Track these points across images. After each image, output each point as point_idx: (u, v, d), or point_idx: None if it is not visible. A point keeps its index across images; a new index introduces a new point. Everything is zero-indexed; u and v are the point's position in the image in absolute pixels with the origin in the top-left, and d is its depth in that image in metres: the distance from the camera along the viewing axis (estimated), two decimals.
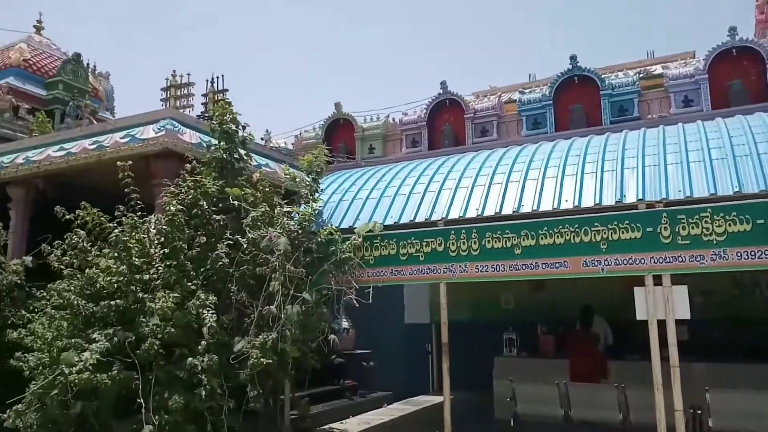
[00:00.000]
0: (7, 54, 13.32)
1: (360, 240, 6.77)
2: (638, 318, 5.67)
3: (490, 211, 6.42)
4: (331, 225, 7.07)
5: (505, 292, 10.87)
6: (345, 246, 6.74)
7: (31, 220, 9.69)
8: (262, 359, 5.65)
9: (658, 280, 5.63)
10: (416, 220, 6.75)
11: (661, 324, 5.57)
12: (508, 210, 6.36)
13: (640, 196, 5.86)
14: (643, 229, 5.67)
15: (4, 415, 5.63)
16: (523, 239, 6.08)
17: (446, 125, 12.92)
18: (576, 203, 6.16)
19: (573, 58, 12.12)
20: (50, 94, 12.99)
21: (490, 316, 10.70)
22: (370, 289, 6.55)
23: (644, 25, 49.19)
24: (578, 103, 11.79)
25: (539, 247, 6.03)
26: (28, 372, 5.86)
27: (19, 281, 7.85)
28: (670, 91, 11.23)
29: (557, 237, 5.99)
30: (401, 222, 6.83)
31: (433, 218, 6.65)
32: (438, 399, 9.06)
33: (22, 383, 5.77)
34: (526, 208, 6.31)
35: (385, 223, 6.87)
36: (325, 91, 54.98)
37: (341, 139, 14.17)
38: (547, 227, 6.03)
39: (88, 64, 14.45)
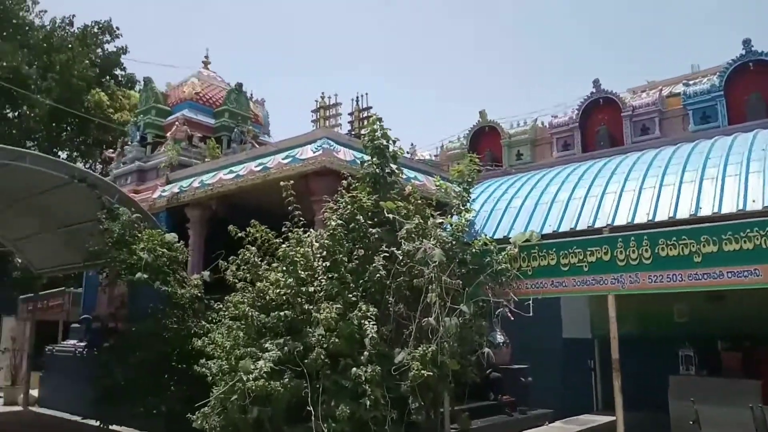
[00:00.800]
0: (182, 89, 14.90)
1: (516, 250, 6.53)
2: None
3: (662, 216, 5.88)
4: (485, 235, 6.91)
5: (678, 303, 9.91)
6: (501, 257, 6.53)
7: (206, 238, 10.70)
8: (422, 371, 5.64)
9: None
10: (577, 228, 6.37)
11: None
12: (683, 214, 5.78)
13: None
14: None
15: (193, 417, 6.16)
16: (704, 245, 5.44)
17: (601, 125, 12.21)
18: (766, 204, 5.44)
19: (746, 42, 10.88)
20: (218, 122, 14.29)
21: (660, 330, 9.80)
22: (530, 302, 6.28)
23: None
24: (755, 91, 10.53)
25: (723, 253, 5.36)
26: (210, 378, 6.38)
27: (199, 294, 8.64)
28: None
29: (744, 242, 5.28)
30: (561, 230, 6.50)
31: (597, 225, 6.23)
32: (604, 419, 8.47)
33: (207, 388, 6.28)
34: (705, 211, 5.69)
35: (543, 232, 6.57)
36: (466, 100, 54.84)
37: (487, 147, 13.98)
38: (732, 231, 5.35)
39: (245, 92, 15.72)
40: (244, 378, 5.72)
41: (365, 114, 15.95)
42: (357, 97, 17.04)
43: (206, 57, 16.31)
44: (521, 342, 9.83)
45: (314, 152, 8.11)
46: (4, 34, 22.98)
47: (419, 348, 5.87)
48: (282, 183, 6.95)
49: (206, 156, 12.84)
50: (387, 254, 6.57)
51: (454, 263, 6.56)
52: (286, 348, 5.97)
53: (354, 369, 5.72)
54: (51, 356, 13.51)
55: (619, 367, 6.06)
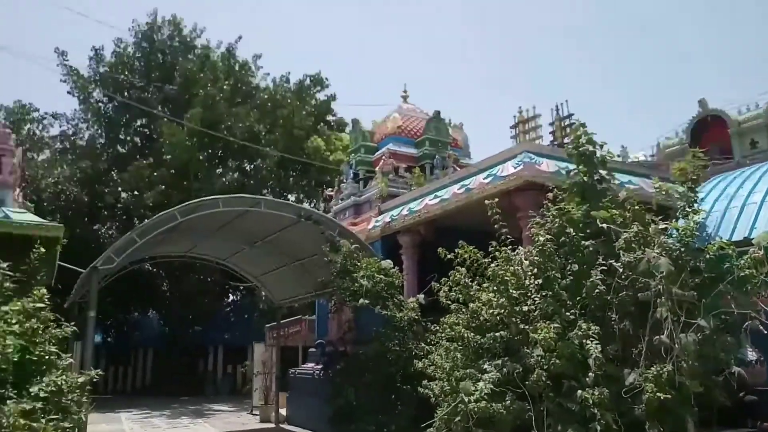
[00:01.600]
0: (385, 125, 15.89)
1: (761, 252, 5.63)
2: None
3: None
4: (720, 238, 6.09)
5: None
6: (743, 261, 5.68)
7: (418, 262, 11.13)
8: (658, 394, 5.11)
9: None
10: None
11: None
12: None
13: None
14: None
15: None
16: None
17: None
18: None
19: None
20: (420, 151, 14.93)
21: None
22: None
23: None
24: None
25: None
26: (434, 398, 6.54)
27: (416, 317, 9.00)
28: None
29: None
30: None
31: None
32: None
33: (432, 408, 6.45)
34: None
35: None
36: (680, 90, 49.76)
37: (712, 139, 12.43)
38: None
39: (443, 119, 16.17)
40: (466, 399, 5.75)
41: (567, 122, 15.31)
42: (557, 106, 16.48)
43: (405, 92, 17.20)
44: None
45: (515, 168, 8.01)
46: (238, 100, 26.90)
47: (652, 368, 5.34)
48: (487, 202, 6.95)
49: (412, 184, 13.45)
50: (604, 267, 6.14)
51: (685, 272, 5.88)
52: (505, 369, 5.89)
53: (579, 391, 5.41)
54: (294, 378, 15.11)
55: None
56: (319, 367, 13.20)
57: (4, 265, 6.25)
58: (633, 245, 6.07)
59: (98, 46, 27.85)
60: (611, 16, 58.84)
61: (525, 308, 6.26)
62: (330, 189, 17.92)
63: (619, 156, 13.53)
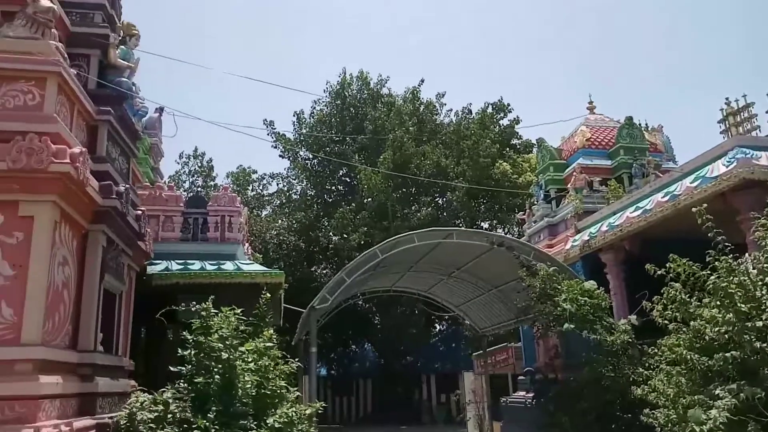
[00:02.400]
0: (573, 140, 15.26)
1: None
2: None
3: None
4: None
5: None
6: None
7: (625, 280, 10.36)
8: None
9: None
10: None
11: None
12: None
13: None
14: None
15: None
16: None
17: None
18: None
19: None
20: (614, 161, 14.03)
21: None
22: None
23: None
24: None
25: None
26: (659, 428, 5.98)
27: (630, 339, 8.33)
28: None
29: None
30: None
31: None
32: None
33: None
34: None
35: None
36: None
37: None
38: None
39: (639, 124, 15.01)
40: (697, 429, 5.17)
41: None
42: None
43: (590, 102, 16.40)
44: None
45: (726, 166, 7.12)
46: (424, 138, 27.95)
47: None
48: (693, 209, 6.28)
49: (609, 198, 12.66)
50: None
51: None
52: (742, 394, 5.17)
53: None
54: (506, 407, 14.84)
55: None
56: (530, 395, 12.82)
57: (239, 310, 7.17)
58: None
59: (298, 111, 31.38)
60: None
61: (759, 324, 5.46)
62: (521, 212, 17.59)
63: None
